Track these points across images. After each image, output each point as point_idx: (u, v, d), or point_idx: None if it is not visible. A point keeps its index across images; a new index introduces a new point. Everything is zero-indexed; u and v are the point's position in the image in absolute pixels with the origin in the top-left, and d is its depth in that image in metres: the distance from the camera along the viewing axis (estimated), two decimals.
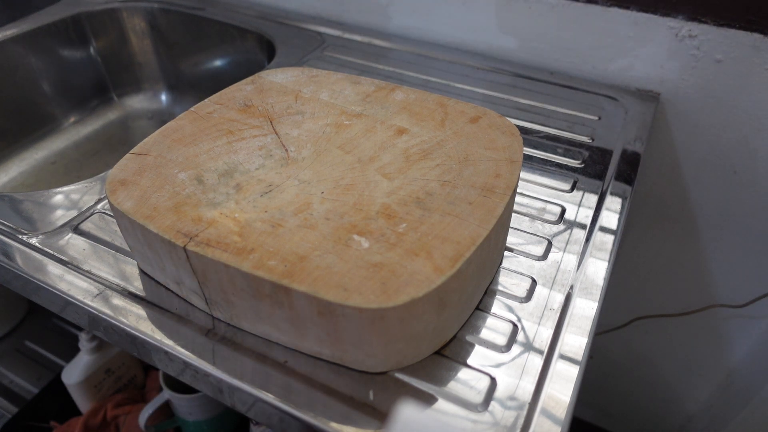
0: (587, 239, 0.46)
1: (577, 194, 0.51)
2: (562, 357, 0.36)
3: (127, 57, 0.87)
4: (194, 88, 0.89)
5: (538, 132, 0.60)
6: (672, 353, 0.93)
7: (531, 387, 0.34)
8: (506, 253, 0.44)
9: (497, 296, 0.40)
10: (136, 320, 0.38)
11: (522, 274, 0.42)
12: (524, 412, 0.33)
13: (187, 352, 0.36)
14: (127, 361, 0.88)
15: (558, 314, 0.39)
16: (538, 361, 0.36)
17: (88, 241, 0.45)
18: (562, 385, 0.35)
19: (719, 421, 0.91)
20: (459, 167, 0.39)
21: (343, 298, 0.30)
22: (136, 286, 0.41)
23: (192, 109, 0.46)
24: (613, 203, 0.50)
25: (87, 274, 0.42)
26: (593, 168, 0.54)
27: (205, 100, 0.47)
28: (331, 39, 0.77)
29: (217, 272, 0.33)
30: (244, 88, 0.48)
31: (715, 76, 0.64)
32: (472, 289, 0.36)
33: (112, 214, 0.47)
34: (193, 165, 0.39)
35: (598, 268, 0.43)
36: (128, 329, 0.38)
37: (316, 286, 0.30)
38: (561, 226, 0.47)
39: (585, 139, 0.59)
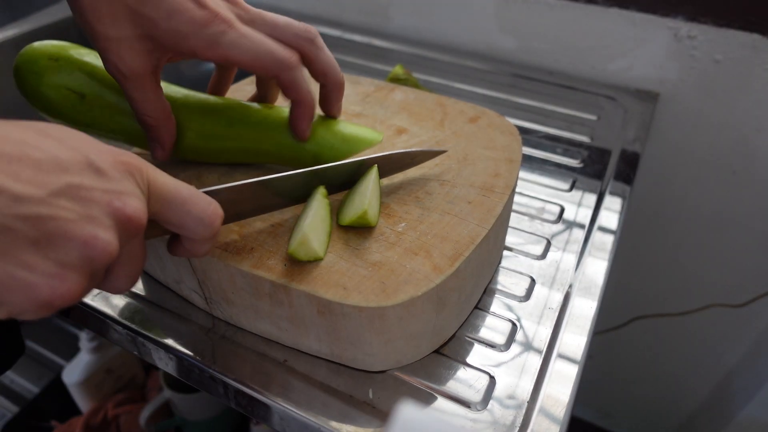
0: (586, 239, 0.46)
1: (576, 194, 0.51)
2: (561, 356, 0.37)
3: None
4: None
5: (537, 132, 0.60)
6: (671, 353, 0.93)
7: (530, 386, 0.35)
8: (505, 252, 0.44)
9: (496, 295, 0.40)
10: (137, 319, 0.38)
11: (521, 273, 0.42)
12: (523, 411, 0.33)
13: (187, 351, 0.36)
14: (127, 360, 0.88)
15: (557, 313, 0.39)
16: (537, 360, 0.36)
17: None
18: (561, 384, 0.35)
19: (719, 420, 0.91)
20: (458, 167, 0.39)
21: (342, 296, 0.30)
22: (136, 285, 0.41)
23: None
24: (612, 203, 0.50)
25: None
26: (592, 168, 0.55)
27: None
28: (331, 39, 0.77)
29: (217, 271, 0.33)
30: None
31: (715, 77, 0.64)
32: (471, 288, 0.36)
33: None
34: (194, 164, 0.39)
35: (597, 268, 0.43)
36: (128, 328, 0.38)
37: (316, 285, 0.31)
38: (560, 226, 0.47)
39: (584, 138, 0.59)
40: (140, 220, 0.23)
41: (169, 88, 0.38)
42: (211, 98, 0.38)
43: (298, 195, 0.35)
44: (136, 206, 0.23)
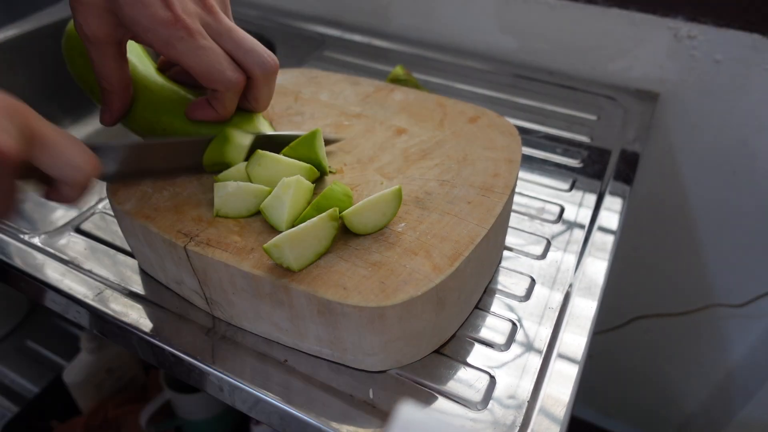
0: (586, 239, 0.46)
1: (576, 194, 0.51)
2: (561, 356, 0.37)
3: None
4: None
5: (537, 132, 0.60)
6: (671, 353, 0.93)
7: (530, 386, 0.35)
8: (505, 252, 0.44)
9: (496, 295, 0.40)
10: (137, 320, 0.38)
11: (521, 273, 0.42)
12: (523, 411, 0.33)
13: (187, 351, 0.36)
14: (127, 360, 0.88)
15: (557, 313, 0.39)
16: (537, 360, 0.36)
17: (88, 240, 0.45)
18: (561, 384, 0.35)
19: (718, 420, 0.91)
20: (458, 167, 0.39)
21: (342, 296, 0.30)
22: (137, 285, 0.41)
23: None
24: (612, 203, 0.50)
25: (88, 274, 0.42)
26: (592, 168, 0.55)
27: None
28: (331, 39, 0.77)
29: (217, 272, 0.33)
30: None
31: (715, 77, 0.64)
32: (471, 287, 0.36)
33: (112, 214, 0.47)
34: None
35: (597, 268, 0.43)
36: (129, 329, 0.38)
37: (316, 285, 0.31)
38: (560, 226, 0.47)
39: (584, 138, 0.59)
40: (8, 154, 0.25)
41: (142, 69, 0.39)
42: (160, 86, 0.40)
43: (194, 162, 0.37)
44: (5, 140, 0.25)
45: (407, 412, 0.21)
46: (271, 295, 0.32)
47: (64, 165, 0.29)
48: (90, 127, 0.84)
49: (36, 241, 0.45)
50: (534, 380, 0.35)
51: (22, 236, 0.45)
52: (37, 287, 0.42)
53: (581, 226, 0.47)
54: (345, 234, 0.34)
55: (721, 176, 0.70)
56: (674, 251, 0.81)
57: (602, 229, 0.47)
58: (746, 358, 0.86)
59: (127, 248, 0.44)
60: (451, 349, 0.36)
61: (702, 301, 0.84)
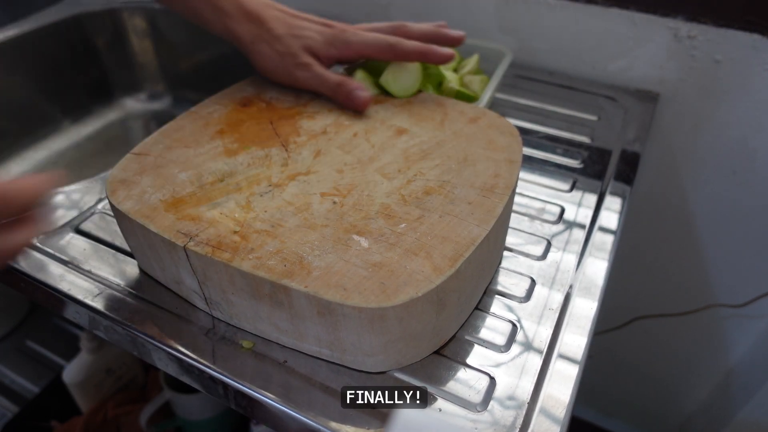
0: (586, 239, 0.46)
1: (576, 194, 0.51)
2: (562, 356, 0.36)
3: (127, 57, 0.88)
4: (194, 88, 0.89)
5: (537, 132, 0.60)
6: (671, 353, 0.93)
7: (530, 386, 0.35)
8: (505, 252, 0.44)
9: (496, 296, 0.40)
10: (137, 320, 0.38)
11: (521, 273, 0.42)
12: (523, 412, 0.33)
13: (187, 352, 0.36)
14: (127, 360, 0.88)
15: (557, 314, 0.39)
16: (537, 361, 0.36)
17: (88, 241, 0.45)
18: (562, 385, 0.35)
19: (718, 420, 0.91)
20: (458, 167, 0.39)
21: (342, 297, 0.30)
22: (137, 285, 0.41)
23: (192, 109, 0.46)
24: (612, 203, 0.50)
25: (87, 274, 0.42)
26: (592, 168, 0.55)
27: (206, 100, 0.47)
28: None
29: (216, 272, 0.33)
30: (244, 89, 0.48)
31: (715, 77, 0.64)
32: (472, 288, 0.36)
33: (112, 214, 0.47)
34: (193, 165, 0.39)
35: (597, 268, 0.43)
36: (128, 329, 0.38)
37: (316, 286, 0.31)
38: (560, 226, 0.47)
39: (584, 139, 0.59)
40: None
41: None
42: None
43: None
44: None
45: (407, 413, 0.21)
46: (270, 295, 0.32)
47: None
48: (90, 127, 0.84)
49: (35, 241, 0.45)
50: (534, 381, 0.35)
51: None
52: (36, 287, 0.42)
53: (581, 227, 0.47)
54: (345, 234, 0.34)
55: (721, 176, 0.70)
56: (674, 251, 0.81)
57: (602, 230, 0.47)
58: (746, 358, 0.86)
59: (127, 248, 0.44)
60: (450, 350, 0.36)
61: (702, 301, 0.84)
